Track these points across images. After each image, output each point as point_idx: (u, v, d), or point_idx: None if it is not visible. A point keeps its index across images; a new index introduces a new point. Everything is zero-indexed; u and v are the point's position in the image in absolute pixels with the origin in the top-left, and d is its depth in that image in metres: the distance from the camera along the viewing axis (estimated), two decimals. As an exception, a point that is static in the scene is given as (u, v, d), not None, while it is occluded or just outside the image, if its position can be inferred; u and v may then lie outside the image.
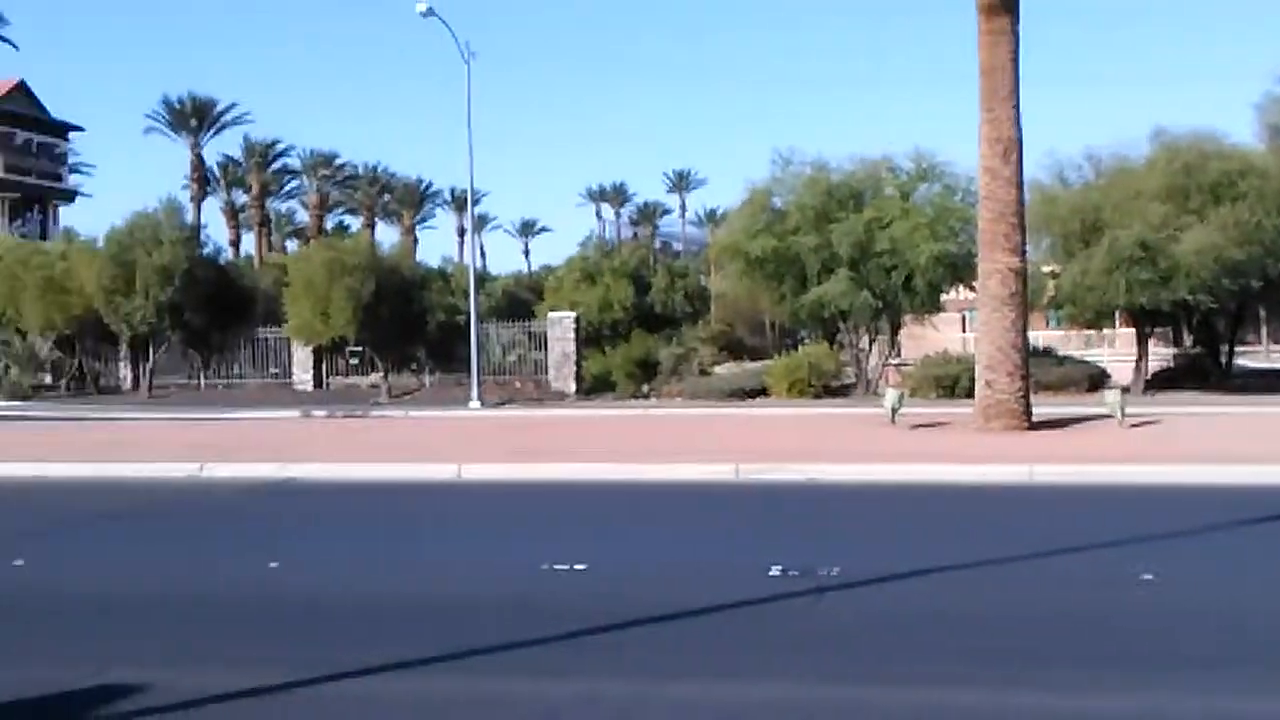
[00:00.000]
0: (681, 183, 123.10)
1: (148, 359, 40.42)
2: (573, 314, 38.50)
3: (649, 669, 7.23)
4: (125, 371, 43.05)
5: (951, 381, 30.22)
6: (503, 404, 34.66)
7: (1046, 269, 31.13)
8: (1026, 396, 21.88)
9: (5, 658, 7.75)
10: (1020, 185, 21.92)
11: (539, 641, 7.81)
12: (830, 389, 32.85)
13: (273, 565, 10.66)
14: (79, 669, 7.30)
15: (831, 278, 32.45)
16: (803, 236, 32.56)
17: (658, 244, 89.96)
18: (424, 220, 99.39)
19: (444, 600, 9.34)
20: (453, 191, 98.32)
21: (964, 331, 44.86)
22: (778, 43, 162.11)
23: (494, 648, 7.67)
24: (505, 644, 7.75)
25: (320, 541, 12.59)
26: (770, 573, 9.81)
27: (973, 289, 26.57)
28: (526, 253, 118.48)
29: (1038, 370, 27.15)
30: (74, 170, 74.75)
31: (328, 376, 41.02)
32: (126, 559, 11.69)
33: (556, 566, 10.30)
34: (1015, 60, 21.59)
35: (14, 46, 29.92)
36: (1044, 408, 23.83)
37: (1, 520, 14.49)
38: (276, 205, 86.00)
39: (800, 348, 37.40)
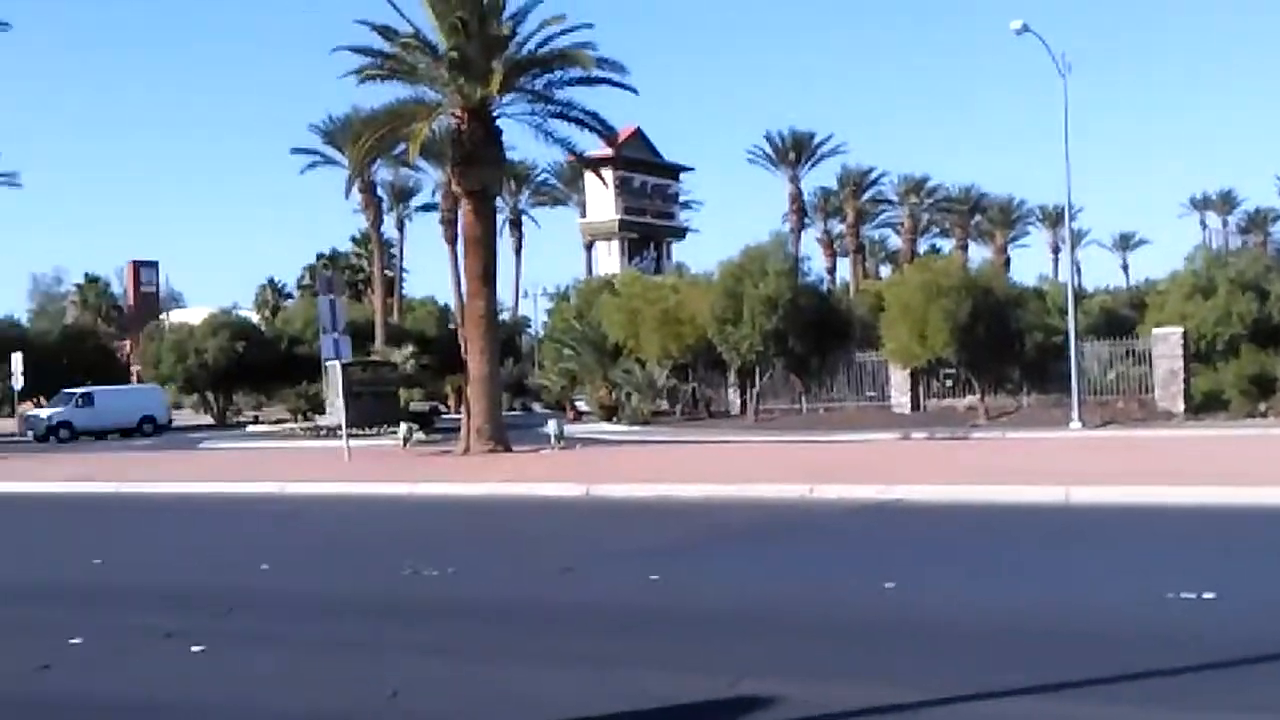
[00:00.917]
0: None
1: (753, 385, 42.59)
2: (1179, 329, 36.55)
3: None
4: (733, 397, 45.53)
5: None
6: (1105, 424, 33.52)
7: None
8: None
9: (645, 666, 8.32)
10: None
11: (1173, 672, 7.53)
12: None
13: (888, 585, 10.89)
14: (716, 679, 7.74)
15: None
16: None
17: (1271, 251, 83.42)
18: (1016, 239, 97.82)
19: (1064, 626, 9.18)
20: (1043, 208, 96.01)
21: None
22: None
23: (1125, 676, 7.46)
24: (1137, 673, 7.52)
25: (930, 563, 12.73)
26: None
27: None
28: (1125, 267, 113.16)
29: None
30: (684, 208, 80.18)
31: (924, 398, 41.36)
32: (751, 575, 12.36)
33: (1183, 595, 9.87)
34: None
35: (634, 92, 32.51)
36: None
37: (630, 538, 15.77)
38: (869, 232, 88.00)
39: None
